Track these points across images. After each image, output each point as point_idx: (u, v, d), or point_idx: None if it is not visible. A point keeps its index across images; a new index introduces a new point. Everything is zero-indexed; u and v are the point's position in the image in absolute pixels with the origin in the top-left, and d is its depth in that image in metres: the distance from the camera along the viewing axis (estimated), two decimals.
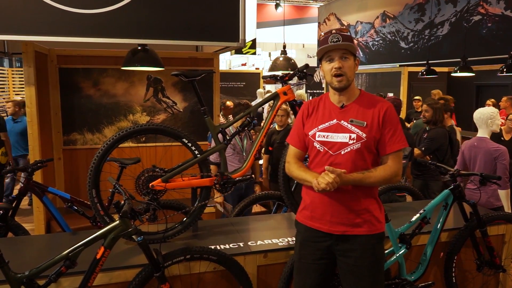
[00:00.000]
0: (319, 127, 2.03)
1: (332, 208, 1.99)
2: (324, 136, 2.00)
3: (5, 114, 8.99)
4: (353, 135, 1.95)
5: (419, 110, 7.02)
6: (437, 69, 7.91)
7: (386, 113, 1.97)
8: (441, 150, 4.52)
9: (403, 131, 2.09)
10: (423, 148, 4.50)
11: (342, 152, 1.96)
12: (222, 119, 6.42)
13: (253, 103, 5.36)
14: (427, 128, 4.64)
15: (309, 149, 2.09)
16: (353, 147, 1.95)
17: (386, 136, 1.97)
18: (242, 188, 4.16)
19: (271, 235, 2.67)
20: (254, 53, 12.25)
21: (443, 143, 4.52)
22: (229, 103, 7.04)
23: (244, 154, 4.09)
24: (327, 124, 2.02)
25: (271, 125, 2.95)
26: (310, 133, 2.05)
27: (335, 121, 2.01)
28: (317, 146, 2.02)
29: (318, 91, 13.15)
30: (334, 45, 1.92)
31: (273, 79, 2.87)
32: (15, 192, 4.82)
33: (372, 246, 1.99)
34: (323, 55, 1.99)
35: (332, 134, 1.99)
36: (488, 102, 7.02)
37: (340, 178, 1.85)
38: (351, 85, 2.01)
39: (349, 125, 1.98)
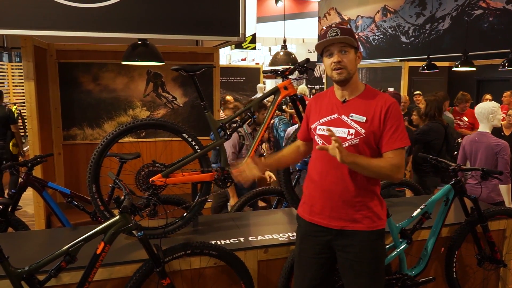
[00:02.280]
0: (320, 120, 2.02)
1: (332, 202, 1.97)
2: (324, 130, 1.98)
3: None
4: (352, 131, 1.92)
5: (420, 105, 7.00)
6: (438, 63, 7.86)
7: (389, 110, 1.91)
8: (433, 145, 4.36)
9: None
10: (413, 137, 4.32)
11: None
12: (222, 114, 6.40)
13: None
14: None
15: (313, 143, 2.09)
16: (351, 143, 1.92)
17: (387, 133, 1.91)
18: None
19: (271, 230, 2.67)
20: (254, 48, 12.19)
21: (434, 137, 4.36)
22: (229, 97, 7.03)
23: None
24: (328, 118, 2.00)
25: (272, 120, 2.93)
26: (313, 126, 2.05)
27: (336, 115, 1.99)
28: (317, 139, 2.02)
29: (318, 86, 13.11)
30: (331, 39, 1.90)
31: (273, 74, 2.85)
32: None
33: (372, 243, 1.97)
34: (323, 50, 1.97)
35: (332, 128, 1.97)
36: (488, 96, 6.99)
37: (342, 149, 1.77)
38: (354, 79, 1.98)
39: (349, 120, 1.95)
